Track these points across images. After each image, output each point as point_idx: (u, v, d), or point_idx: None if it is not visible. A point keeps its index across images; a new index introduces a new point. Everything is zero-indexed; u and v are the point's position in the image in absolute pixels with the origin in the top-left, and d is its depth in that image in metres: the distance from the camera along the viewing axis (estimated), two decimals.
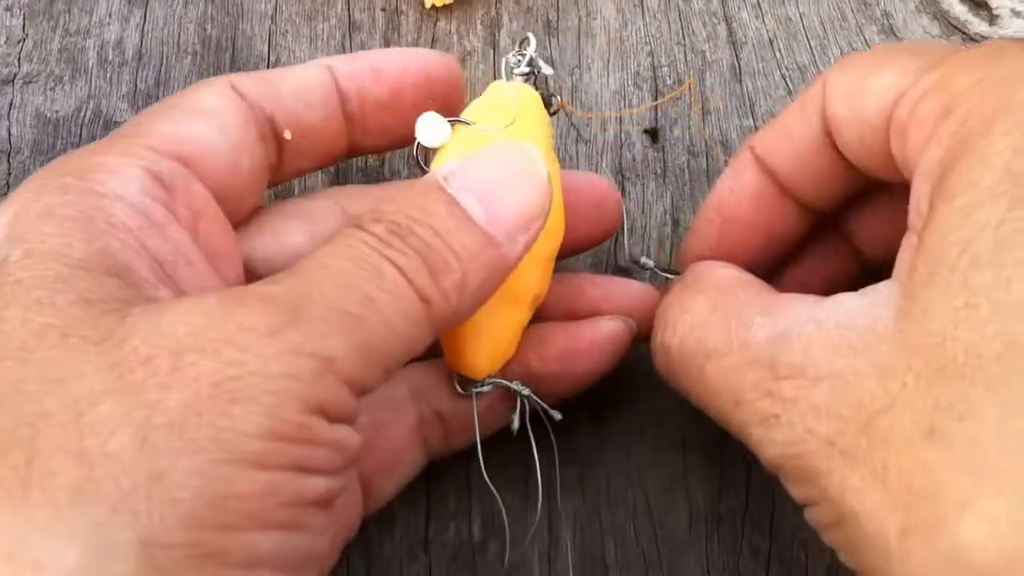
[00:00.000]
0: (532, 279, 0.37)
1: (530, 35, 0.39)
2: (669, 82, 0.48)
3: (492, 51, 0.49)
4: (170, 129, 0.34)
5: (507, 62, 0.39)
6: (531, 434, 0.39)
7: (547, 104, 0.39)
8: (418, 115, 0.37)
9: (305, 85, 0.38)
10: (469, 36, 0.49)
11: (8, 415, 0.26)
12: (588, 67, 0.48)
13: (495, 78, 0.48)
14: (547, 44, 0.48)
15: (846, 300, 0.31)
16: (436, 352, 0.39)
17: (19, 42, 0.49)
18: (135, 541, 0.25)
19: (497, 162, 0.34)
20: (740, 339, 0.32)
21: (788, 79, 0.49)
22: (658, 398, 0.43)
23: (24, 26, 0.49)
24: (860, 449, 0.28)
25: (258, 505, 0.27)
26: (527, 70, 0.39)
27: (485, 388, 0.38)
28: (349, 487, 0.36)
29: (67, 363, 0.27)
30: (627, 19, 0.49)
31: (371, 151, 0.41)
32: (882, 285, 0.30)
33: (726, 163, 0.44)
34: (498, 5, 0.49)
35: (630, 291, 0.41)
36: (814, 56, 0.49)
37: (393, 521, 0.42)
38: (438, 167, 0.34)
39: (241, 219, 0.38)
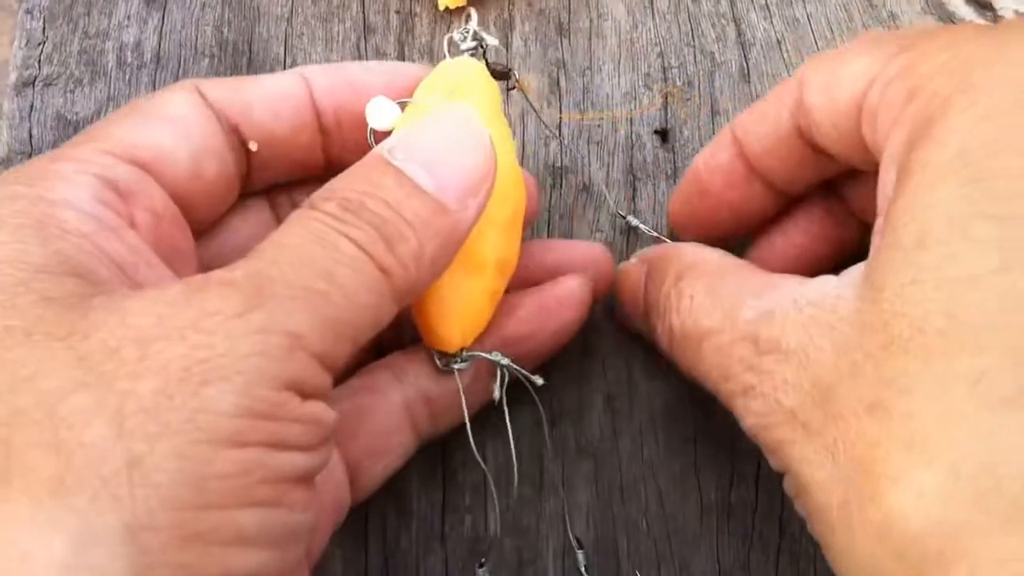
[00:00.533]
0: (490, 244, 0.37)
1: (471, 10, 0.40)
2: (679, 83, 0.49)
3: (506, 52, 0.49)
4: (130, 134, 0.34)
5: (451, 39, 0.39)
6: (506, 409, 0.39)
7: (505, 76, 0.40)
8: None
9: (275, 95, 0.38)
10: None
11: None
12: (599, 68, 0.49)
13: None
14: (559, 45, 0.49)
15: (825, 281, 0.31)
16: (417, 338, 0.40)
17: (39, 45, 0.50)
18: (119, 526, 0.25)
19: (437, 129, 0.35)
20: (732, 319, 0.33)
21: None
22: (670, 394, 0.43)
23: (44, 29, 0.50)
24: (816, 423, 0.29)
25: (238, 483, 0.27)
26: (472, 44, 0.39)
27: (463, 364, 0.39)
28: (332, 469, 0.37)
29: (34, 361, 0.27)
30: (637, 20, 0.49)
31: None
32: (855, 267, 0.31)
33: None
34: (510, 7, 0.50)
35: (583, 250, 0.43)
36: None
37: (410, 515, 0.42)
38: (381, 144, 0.34)
39: (207, 225, 0.38)
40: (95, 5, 0.50)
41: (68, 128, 0.48)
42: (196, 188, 0.36)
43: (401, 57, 0.49)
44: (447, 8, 0.49)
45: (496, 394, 0.39)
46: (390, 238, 0.32)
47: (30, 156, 0.48)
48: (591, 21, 0.50)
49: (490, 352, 0.39)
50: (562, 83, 0.49)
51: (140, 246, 0.33)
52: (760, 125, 0.38)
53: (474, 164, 0.34)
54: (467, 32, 0.39)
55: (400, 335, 0.41)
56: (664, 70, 0.49)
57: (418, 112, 0.37)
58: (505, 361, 0.39)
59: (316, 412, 0.29)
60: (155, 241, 0.34)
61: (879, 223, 0.31)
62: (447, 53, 0.39)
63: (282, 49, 0.50)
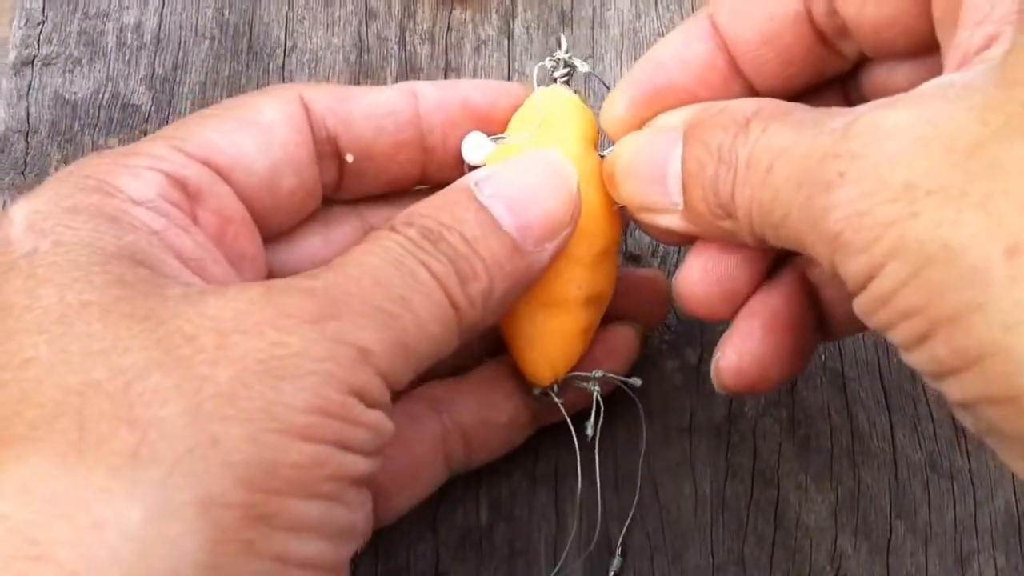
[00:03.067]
0: (575, 282, 0.37)
1: (561, 36, 0.40)
2: None
3: (507, 40, 0.49)
4: (211, 137, 0.34)
5: (541, 68, 0.39)
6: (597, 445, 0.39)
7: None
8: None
9: (381, 109, 0.37)
10: (484, 25, 0.50)
11: (53, 384, 0.27)
12: (601, 57, 0.49)
13: (509, 67, 0.49)
14: (560, 33, 0.49)
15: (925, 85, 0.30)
16: (456, 370, 0.40)
17: (39, 24, 0.49)
18: (194, 501, 0.26)
19: (525, 170, 0.35)
20: (815, 131, 0.30)
21: None
22: (666, 384, 0.43)
23: (44, 8, 0.50)
24: (955, 184, 0.26)
25: (306, 474, 0.28)
26: (566, 72, 0.39)
27: (556, 395, 0.39)
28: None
29: (111, 337, 0.27)
30: (640, 10, 0.49)
31: (446, 183, 0.37)
32: (958, 73, 0.29)
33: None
34: None
35: (637, 279, 0.41)
36: None
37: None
38: (469, 174, 0.34)
39: (280, 232, 0.38)
40: None
41: (66, 107, 0.48)
42: (270, 198, 0.36)
43: (402, 43, 0.49)
44: None
45: (589, 431, 0.39)
46: (463, 274, 0.32)
47: (27, 135, 0.47)
48: (594, 10, 0.50)
49: (589, 378, 0.39)
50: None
51: (207, 244, 0.33)
52: (756, 8, 0.35)
53: (556, 209, 0.34)
54: (558, 60, 0.39)
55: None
56: None
57: (510, 148, 0.37)
58: (597, 388, 0.39)
59: (378, 420, 0.30)
60: (220, 243, 0.34)
61: (955, 39, 0.30)
62: (535, 82, 0.39)
63: (283, 32, 0.49)
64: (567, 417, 0.39)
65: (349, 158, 0.37)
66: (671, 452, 0.42)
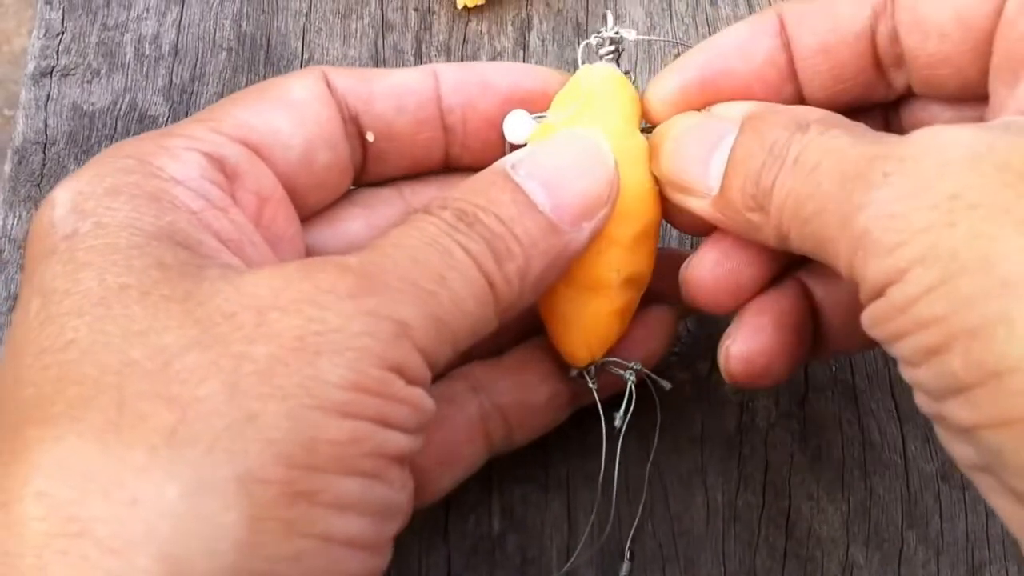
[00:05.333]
0: (613, 263, 0.37)
1: (608, 12, 0.40)
2: None
3: (522, 52, 0.49)
4: (246, 116, 0.35)
5: (587, 46, 0.39)
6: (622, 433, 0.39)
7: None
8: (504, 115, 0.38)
9: (401, 89, 0.37)
10: (500, 37, 0.50)
11: (92, 364, 0.27)
12: None
13: None
14: (576, 46, 0.49)
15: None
16: (495, 354, 0.40)
17: (58, 35, 0.50)
18: (233, 477, 0.26)
19: (562, 149, 0.35)
20: (872, 138, 0.31)
21: None
22: (677, 395, 0.43)
23: (63, 19, 0.50)
24: (1001, 203, 0.27)
25: (345, 451, 0.28)
26: (611, 49, 0.39)
27: (591, 379, 0.39)
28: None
29: (149, 318, 0.28)
30: (655, 22, 0.49)
31: (469, 168, 0.38)
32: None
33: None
34: (529, 7, 0.50)
35: (675, 259, 0.40)
36: None
37: (413, 512, 0.42)
38: (505, 157, 0.35)
39: (314, 211, 0.38)
40: None
41: (83, 119, 0.48)
42: (306, 175, 0.36)
43: (418, 55, 0.50)
44: (465, 6, 0.50)
45: (618, 422, 0.39)
46: (499, 253, 0.32)
47: (45, 146, 0.48)
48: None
49: (629, 365, 0.39)
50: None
51: (245, 225, 0.33)
52: (823, 17, 0.35)
53: (593, 188, 0.34)
54: (604, 38, 0.39)
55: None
56: None
57: (551, 126, 0.37)
58: (632, 377, 0.38)
59: (418, 397, 0.30)
60: (258, 223, 0.34)
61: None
62: (580, 59, 0.39)
63: (300, 44, 0.50)
64: (599, 402, 0.38)
65: (370, 136, 0.37)
66: (682, 463, 0.42)
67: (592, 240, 0.35)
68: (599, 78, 0.37)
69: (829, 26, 0.35)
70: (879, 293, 0.28)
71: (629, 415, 0.38)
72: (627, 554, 0.41)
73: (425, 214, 0.32)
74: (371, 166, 0.39)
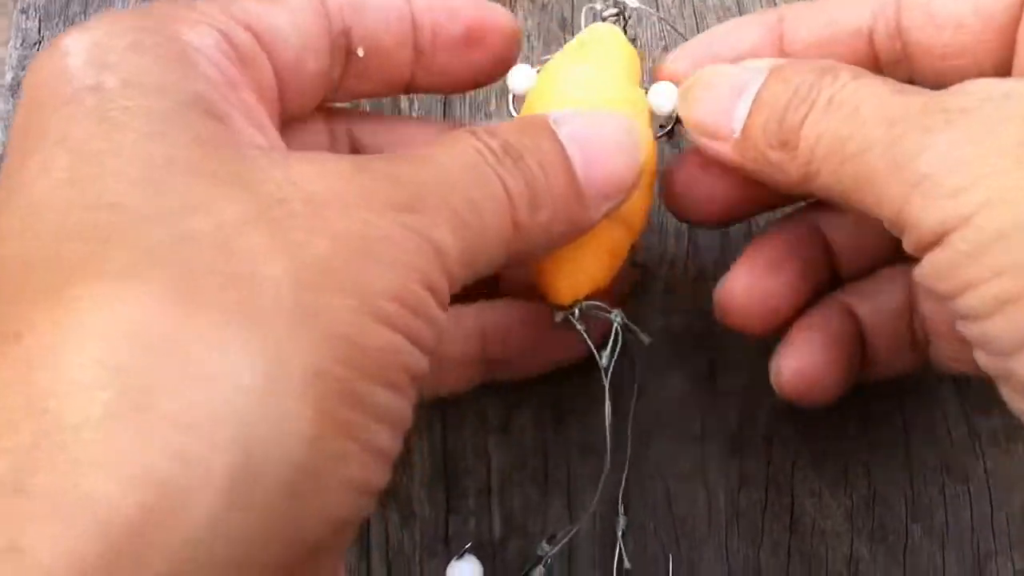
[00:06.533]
0: None
1: None
2: None
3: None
4: (251, 7, 0.33)
5: (589, 10, 0.40)
6: (608, 374, 0.38)
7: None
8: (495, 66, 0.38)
9: (386, 3, 0.37)
10: None
11: (147, 231, 0.25)
12: None
13: None
14: (562, 40, 0.48)
15: None
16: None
17: (35, 44, 0.49)
18: (303, 367, 0.25)
19: (603, 126, 0.34)
20: (911, 90, 0.31)
21: None
22: (676, 393, 0.43)
23: (40, 29, 0.49)
24: None
25: (385, 360, 0.27)
26: (614, 11, 0.39)
27: (575, 320, 0.38)
28: None
29: (203, 192, 0.26)
30: (642, 14, 0.49)
31: (426, 91, 0.39)
32: None
33: None
34: (513, 2, 0.49)
35: None
36: None
37: (413, 517, 0.42)
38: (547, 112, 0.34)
39: (287, 122, 0.36)
40: (91, 4, 0.50)
41: None
42: (296, 80, 0.34)
43: None
44: None
45: (603, 360, 0.38)
46: (534, 200, 0.32)
47: None
48: (595, 17, 0.49)
49: (611, 310, 0.38)
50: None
51: (256, 107, 0.32)
52: (820, 14, 0.36)
53: (623, 172, 0.34)
54: (608, 2, 0.39)
55: None
56: None
57: (551, 77, 0.37)
58: (619, 320, 0.38)
59: (442, 320, 0.29)
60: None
61: None
62: (584, 22, 0.39)
63: None
64: (589, 342, 0.37)
65: (360, 52, 0.36)
66: (683, 461, 0.42)
67: (602, 223, 0.35)
68: (603, 35, 0.38)
69: (825, 19, 0.36)
70: (937, 240, 0.28)
71: (615, 356, 0.38)
72: (620, 509, 0.40)
73: (472, 135, 0.32)
74: (348, 82, 0.37)
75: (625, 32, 0.39)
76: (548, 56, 0.38)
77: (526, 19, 0.49)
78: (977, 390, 0.42)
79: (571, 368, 0.42)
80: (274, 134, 0.32)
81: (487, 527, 0.42)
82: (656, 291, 0.44)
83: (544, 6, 0.49)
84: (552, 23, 0.49)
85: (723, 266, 0.39)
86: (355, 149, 0.39)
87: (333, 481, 0.26)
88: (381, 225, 0.27)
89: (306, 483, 0.25)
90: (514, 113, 0.38)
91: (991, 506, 0.41)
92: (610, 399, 0.37)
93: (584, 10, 0.39)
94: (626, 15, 0.39)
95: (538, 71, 0.38)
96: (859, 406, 0.42)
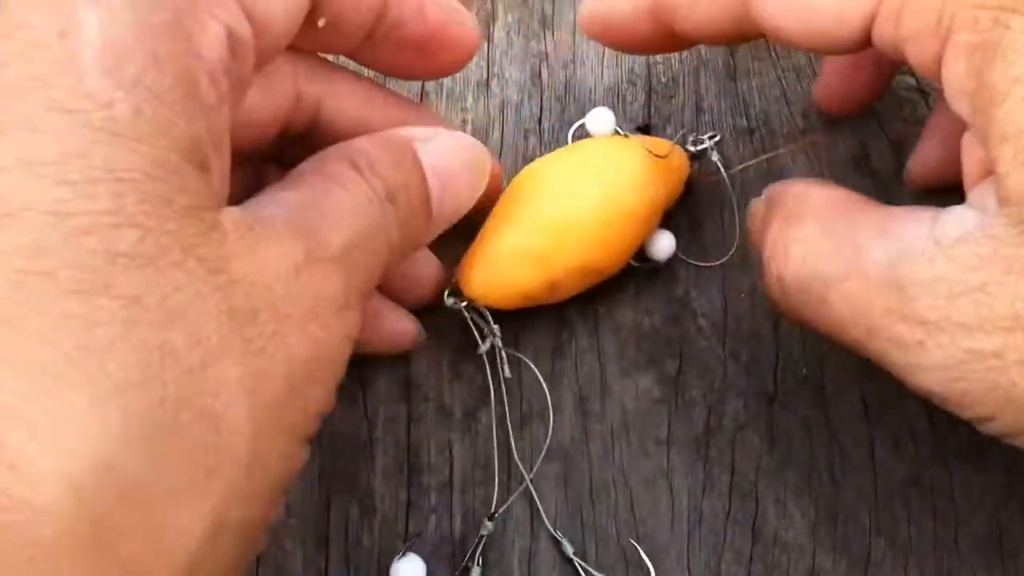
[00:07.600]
0: (562, 257, 0.40)
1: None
2: (663, 79, 0.48)
3: (487, 44, 0.48)
4: None
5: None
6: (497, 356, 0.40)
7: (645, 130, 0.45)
8: None
9: None
10: None
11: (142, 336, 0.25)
12: (582, 62, 0.48)
13: (488, 70, 0.48)
14: (542, 38, 0.48)
15: (958, 213, 0.31)
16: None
17: None
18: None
19: (458, 154, 0.36)
20: (858, 263, 0.32)
21: (783, 80, 0.48)
22: (643, 396, 0.42)
23: None
24: None
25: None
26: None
27: (451, 305, 0.41)
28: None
29: (191, 289, 0.26)
30: None
31: (361, 63, 0.39)
32: (978, 194, 0.31)
33: (719, 163, 0.44)
34: None
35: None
36: (810, 57, 0.49)
37: (373, 515, 0.41)
38: (411, 128, 0.36)
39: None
40: None
41: None
42: (268, 50, 0.32)
43: None
44: None
45: (482, 349, 0.41)
46: (404, 241, 0.33)
47: None
48: (575, 14, 0.49)
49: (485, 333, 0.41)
50: (544, 76, 0.48)
51: (225, 127, 0.30)
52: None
53: (466, 203, 0.36)
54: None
55: None
56: (648, 66, 0.48)
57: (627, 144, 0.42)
58: (470, 315, 0.41)
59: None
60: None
61: (970, 150, 0.32)
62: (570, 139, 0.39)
63: None
64: (473, 327, 0.41)
65: (321, 22, 0.34)
66: (647, 465, 0.41)
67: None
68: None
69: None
70: None
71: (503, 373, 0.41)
72: (529, 480, 0.40)
73: (360, 178, 0.32)
74: (296, 40, 0.35)
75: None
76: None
77: (506, 14, 0.49)
78: None
79: (538, 371, 0.43)
80: (224, 158, 0.30)
81: (447, 525, 0.41)
82: (628, 291, 0.44)
83: (524, 2, 0.49)
84: (532, 20, 0.49)
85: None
86: (315, 119, 0.39)
87: None
88: (332, 344, 0.30)
89: None
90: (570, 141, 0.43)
91: (956, 520, 0.40)
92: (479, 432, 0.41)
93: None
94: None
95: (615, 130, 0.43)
96: (826, 416, 0.42)
